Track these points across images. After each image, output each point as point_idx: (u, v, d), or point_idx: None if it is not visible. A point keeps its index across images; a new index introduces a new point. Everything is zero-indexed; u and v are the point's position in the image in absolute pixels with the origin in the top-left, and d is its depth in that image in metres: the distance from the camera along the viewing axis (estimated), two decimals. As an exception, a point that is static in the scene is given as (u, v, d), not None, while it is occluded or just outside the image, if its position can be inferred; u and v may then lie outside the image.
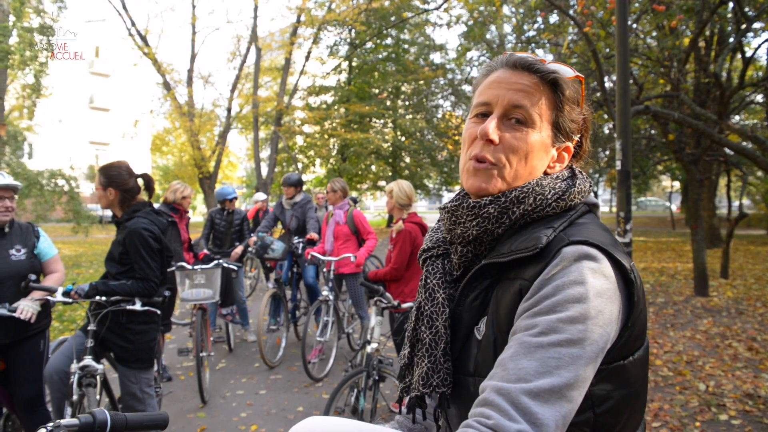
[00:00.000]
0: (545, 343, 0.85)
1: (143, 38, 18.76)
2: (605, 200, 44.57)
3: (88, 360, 2.91)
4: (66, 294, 2.99)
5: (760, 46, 17.79)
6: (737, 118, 16.55)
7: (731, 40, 9.28)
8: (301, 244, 6.07)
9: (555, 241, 0.96)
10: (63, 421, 1.11)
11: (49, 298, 3.01)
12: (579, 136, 1.12)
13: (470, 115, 1.12)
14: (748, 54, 10.17)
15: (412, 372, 1.17)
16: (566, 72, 1.07)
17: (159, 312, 3.15)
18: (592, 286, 0.88)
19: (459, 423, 1.08)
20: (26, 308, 3.02)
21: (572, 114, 1.08)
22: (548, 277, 0.91)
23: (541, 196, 1.04)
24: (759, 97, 12.83)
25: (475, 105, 1.10)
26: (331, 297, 5.32)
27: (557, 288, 0.89)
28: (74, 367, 2.89)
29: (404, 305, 3.55)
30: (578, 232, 0.97)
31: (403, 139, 26.38)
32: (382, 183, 27.24)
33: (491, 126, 1.04)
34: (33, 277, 3.02)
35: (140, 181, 3.30)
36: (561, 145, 1.10)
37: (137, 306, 2.98)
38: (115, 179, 3.15)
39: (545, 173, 1.10)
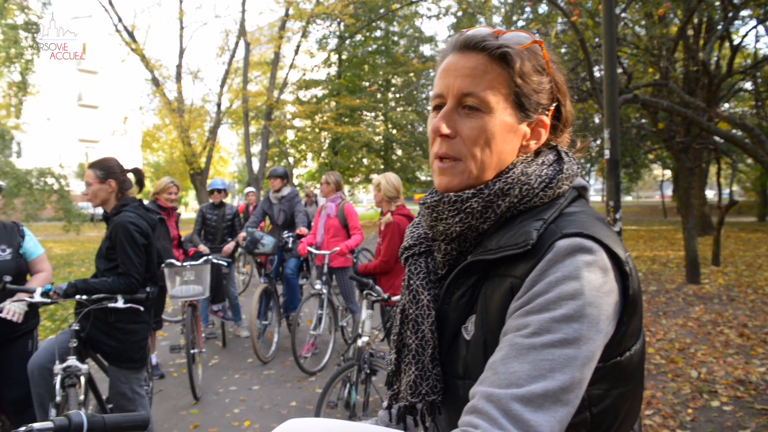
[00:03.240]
0: (538, 344, 0.80)
1: (130, 34, 18.57)
2: (597, 190, 44.73)
3: (71, 360, 2.86)
4: (45, 294, 2.93)
5: (747, 33, 17.74)
6: (726, 105, 16.62)
7: (719, 28, 9.29)
8: (291, 239, 6.04)
9: (546, 235, 0.90)
10: (36, 425, 1.08)
11: (27, 299, 2.96)
12: (555, 104, 1.04)
13: (430, 108, 1.06)
14: (736, 42, 10.21)
15: (399, 379, 1.11)
16: (521, 40, 0.99)
17: (143, 309, 3.10)
18: (588, 281, 0.83)
19: (447, 427, 1.05)
20: (12, 308, 2.97)
21: (533, 85, 0.99)
22: (540, 274, 0.86)
23: (527, 186, 0.97)
24: (747, 85, 12.88)
25: (432, 98, 1.04)
26: (324, 290, 5.30)
27: (550, 284, 0.84)
28: (57, 368, 2.84)
29: (394, 298, 3.53)
30: (570, 224, 0.90)
31: (394, 131, 26.34)
32: (373, 176, 27.20)
33: (441, 121, 0.99)
34: (8, 278, 2.95)
35: (131, 176, 3.29)
36: (531, 120, 1.01)
37: (119, 303, 2.93)
38: (114, 170, 3.14)
39: (521, 153, 1.03)
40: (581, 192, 1.04)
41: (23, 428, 1.05)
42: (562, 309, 0.82)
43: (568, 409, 0.79)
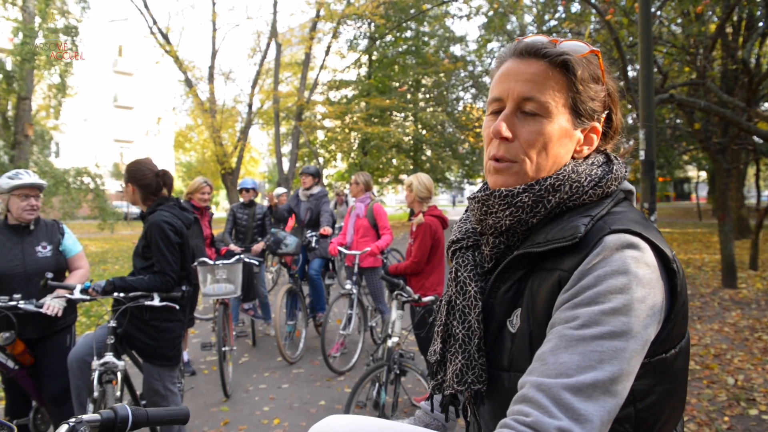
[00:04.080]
0: (587, 336, 0.82)
1: (165, 36, 18.95)
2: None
3: (108, 356, 2.93)
4: (84, 291, 3.01)
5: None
6: (767, 105, 16.15)
7: (761, 24, 9.05)
8: (314, 238, 6.04)
9: (594, 230, 0.92)
10: (85, 417, 1.12)
11: (67, 295, 3.03)
12: (606, 112, 1.07)
13: (487, 111, 1.08)
14: (778, 39, 9.92)
15: (444, 369, 1.13)
16: (579, 49, 1.02)
17: (178, 307, 3.16)
18: (636, 275, 0.85)
19: (490, 419, 1.06)
20: (52, 304, 3.07)
21: (590, 93, 1.02)
22: (589, 267, 0.88)
23: (577, 183, 1.00)
24: (789, 84, 12.48)
25: (489, 101, 1.07)
26: (354, 290, 5.32)
27: (599, 278, 0.86)
28: (95, 364, 2.91)
29: (425, 299, 3.53)
30: (618, 221, 0.93)
31: (423, 132, 26.32)
32: (403, 177, 27.19)
33: (502, 124, 1.01)
34: (50, 275, 3.04)
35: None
36: (585, 127, 1.05)
37: (155, 301, 2.99)
38: (134, 175, 3.20)
39: (573, 158, 1.06)
40: (627, 195, 1.07)
41: (73, 420, 1.09)
42: (611, 302, 0.84)
43: (616, 400, 0.81)
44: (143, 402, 3.25)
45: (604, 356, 0.81)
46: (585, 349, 0.81)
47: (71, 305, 3.31)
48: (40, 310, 3.03)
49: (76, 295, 2.99)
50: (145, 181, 3.21)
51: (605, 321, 0.83)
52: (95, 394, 2.86)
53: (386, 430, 1.19)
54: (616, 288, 0.84)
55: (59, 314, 3.09)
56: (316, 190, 6.39)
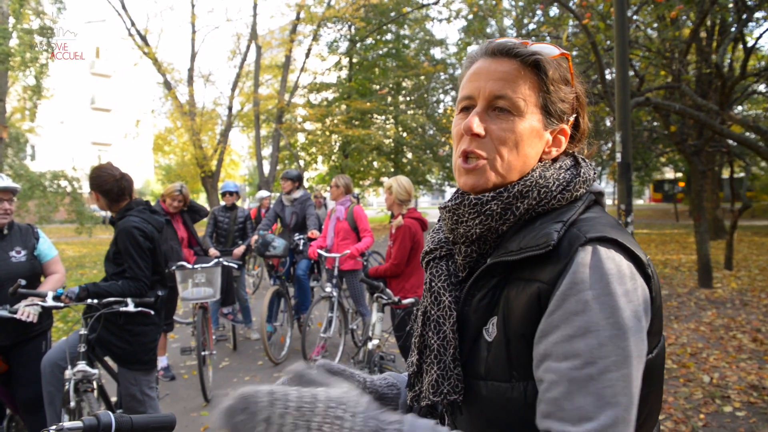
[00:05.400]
0: (595, 373, 0.82)
1: (143, 38, 18.75)
2: (608, 193, 44.47)
3: (82, 365, 2.85)
4: (56, 298, 2.93)
5: (761, 35, 17.63)
6: (739, 108, 16.47)
7: (733, 30, 9.23)
8: (302, 241, 6.06)
9: (568, 237, 0.91)
10: (66, 424, 1.09)
11: (39, 303, 2.95)
12: (574, 115, 1.08)
13: (456, 110, 1.07)
14: (750, 44, 10.14)
15: (421, 380, 1.11)
16: (549, 51, 1.03)
17: (153, 312, 3.12)
18: (622, 292, 0.85)
19: (468, 428, 1.05)
20: (27, 310, 3.00)
21: (560, 94, 1.03)
22: (570, 288, 0.87)
23: (545, 188, 1.00)
24: (761, 87, 12.77)
25: (459, 99, 1.06)
26: (335, 293, 5.31)
27: (586, 305, 0.85)
28: (68, 373, 2.84)
29: (405, 301, 3.54)
30: (592, 228, 0.92)
31: (404, 134, 26.36)
32: (384, 179, 27.20)
33: (474, 119, 1.00)
34: (23, 282, 2.97)
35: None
36: (554, 128, 1.05)
37: (130, 307, 2.94)
38: (95, 182, 3.16)
39: (541, 159, 1.05)
40: (598, 197, 1.07)
41: (53, 427, 1.07)
42: (606, 330, 0.84)
43: (632, 424, 0.83)
44: (120, 410, 3.20)
45: (616, 390, 0.82)
46: (597, 387, 0.82)
47: (46, 311, 3.25)
48: (15, 316, 2.97)
49: (49, 302, 2.91)
50: (106, 186, 3.15)
51: (607, 353, 0.83)
52: (72, 404, 2.78)
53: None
54: (607, 312, 0.84)
55: (34, 320, 3.03)
56: (298, 194, 6.38)
